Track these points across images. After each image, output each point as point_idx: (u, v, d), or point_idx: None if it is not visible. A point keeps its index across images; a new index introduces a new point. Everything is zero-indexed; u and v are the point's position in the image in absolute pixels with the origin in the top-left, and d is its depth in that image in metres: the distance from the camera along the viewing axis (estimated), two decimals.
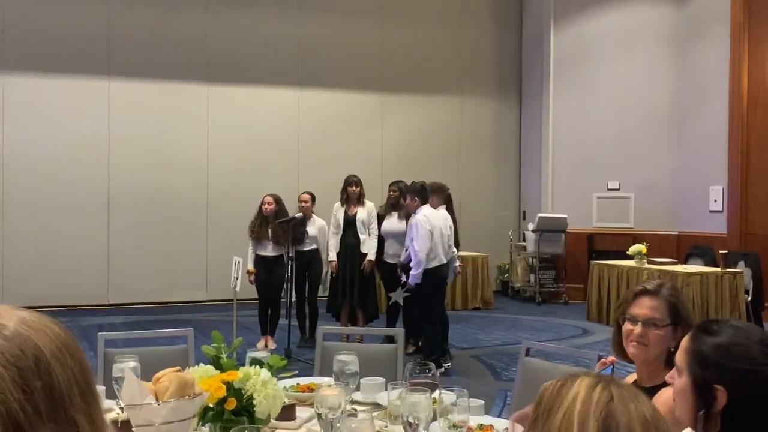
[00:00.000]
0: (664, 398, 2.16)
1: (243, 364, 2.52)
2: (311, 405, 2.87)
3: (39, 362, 0.98)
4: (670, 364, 2.54)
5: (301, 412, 2.82)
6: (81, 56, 11.23)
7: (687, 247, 11.41)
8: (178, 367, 2.38)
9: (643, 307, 2.54)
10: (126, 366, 2.55)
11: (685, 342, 1.83)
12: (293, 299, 8.30)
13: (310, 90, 12.44)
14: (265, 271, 8.24)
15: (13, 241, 10.86)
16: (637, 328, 2.52)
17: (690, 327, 2.47)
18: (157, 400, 2.20)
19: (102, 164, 11.34)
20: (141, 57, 11.50)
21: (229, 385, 2.33)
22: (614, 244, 11.86)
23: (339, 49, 12.56)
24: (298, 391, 3.07)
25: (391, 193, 8.41)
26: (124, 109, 11.43)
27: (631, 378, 2.62)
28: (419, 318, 7.46)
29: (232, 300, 7.89)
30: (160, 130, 11.59)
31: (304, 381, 3.22)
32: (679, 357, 1.82)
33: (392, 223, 8.29)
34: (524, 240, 12.91)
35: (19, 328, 1.00)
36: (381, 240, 8.32)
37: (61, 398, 0.98)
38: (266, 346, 8.11)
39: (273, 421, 2.55)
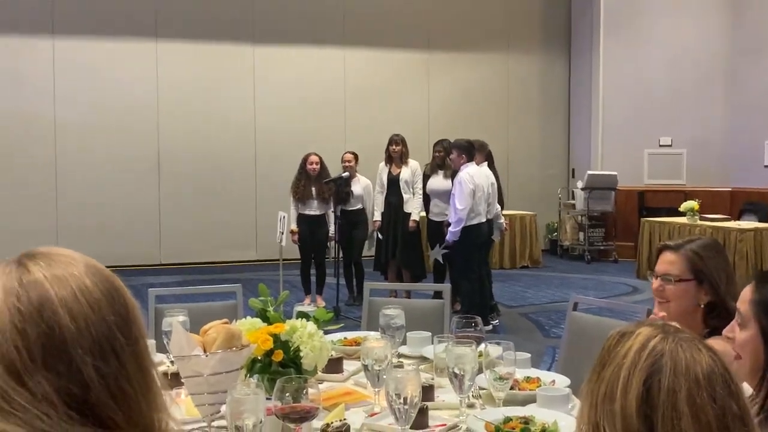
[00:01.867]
0: None
1: (285, 319, 2.53)
2: (358, 358, 2.89)
3: (43, 309, 0.97)
4: (705, 321, 2.48)
5: (348, 365, 2.84)
6: (129, 19, 11.31)
7: (740, 203, 11.16)
8: (225, 320, 2.40)
9: (662, 262, 2.54)
10: (175, 319, 2.58)
11: (748, 293, 1.73)
12: (341, 258, 8.34)
13: (355, 49, 12.37)
14: (309, 230, 8.28)
15: (67, 204, 11.08)
16: (655, 282, 2.54)
17: (714, 284, 2.43)
18: (204, 351, 2.22)
19: (151, 126, 11.47)
20: (188, 18, 11.55)
21: (276, 338, 2.35)
22: (666, 201, 11.65)
23: (383, 7, 12.44)
24: (345, 345, 3.09)
25: (437, 153, 8.35)
26: (172, 71, 11.52)
27: None
28: (457, 275, 7.44)
29: (287, 259, 7.96)
30: (208, 91, 11.66)
31: (351, 335, 3.24)
32: (743, 308, 1.73)
33: (437, 181, 8.23)
34: (573, 198, 12.76)
35: (39, 273, 1.00)
36: (427, 199, 8.29)
37: (63, 348, 0.96)
38: (314, 303, 8.20)
39: (320, 373, 2.58)
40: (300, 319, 2.48)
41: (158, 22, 11.43)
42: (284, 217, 7.94)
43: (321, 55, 12.24)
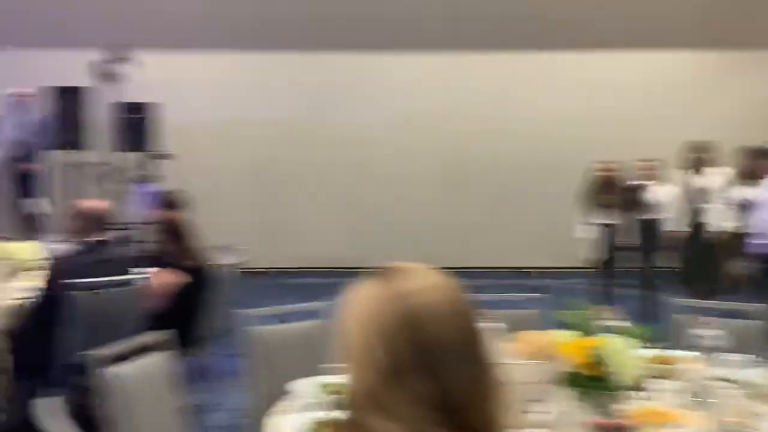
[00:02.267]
0: None
1: (595, 332, 2.51)
2: (668, 377, 2.81)
3: (415, 317, 1.08)
4: None
5: (658, 384, 2.77)
6: (422, 31, 11.84)
7: None
8: (537, 331, 2.46)
9: None
10: (493, 326, 2.68)
11: None
12: (640, 268, 8.12)
13: (653, 51, 11.89)
14: (602, 239, 8.16)
15: (366, 210, 11.85)
16: None
17: None
18: (519, 359, 2.30)
19: (442, 135, 11.90)
20: (485, 29, 11.82)
21: (587, 351, 2.36)
22: None
23: (683, 3, 11.84)
24: (654, 363, 3.00)
25: (744, 161, 7.83)
26: (465, 81, 11.88)
27: None
28: None
29: (583, 268, 7.95)
30: (498, 100, 11.85)
31: (659, 353, 3.14)
32: None
33: (745, 190, 7.70)
34: None
35: (406, 286, 1.12)
36: (733, 209, 7.78)
37: (432, 353, 1.07)
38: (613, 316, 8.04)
39: (629, 390, 2.54)
40: (610, 334, 2.47)
41: (439, 34, 11.83)
42: (580, 226, 7.92)
43: (614, 58, 11.92)
